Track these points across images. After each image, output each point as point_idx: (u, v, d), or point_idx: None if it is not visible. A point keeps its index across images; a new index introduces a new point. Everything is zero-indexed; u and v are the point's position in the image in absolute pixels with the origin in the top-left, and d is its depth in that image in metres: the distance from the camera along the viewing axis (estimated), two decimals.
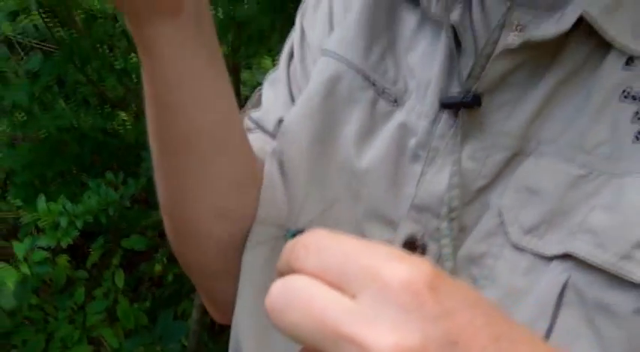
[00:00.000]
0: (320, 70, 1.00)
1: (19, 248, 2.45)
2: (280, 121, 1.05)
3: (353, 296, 0.51)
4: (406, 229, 0.87)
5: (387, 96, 0.95)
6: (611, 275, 0.73)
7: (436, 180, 0.86)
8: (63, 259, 2.76)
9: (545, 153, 0.82)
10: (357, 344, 0.48)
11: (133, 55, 2.57)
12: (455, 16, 0.89)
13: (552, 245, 0.78)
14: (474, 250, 0.80)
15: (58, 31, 2.70)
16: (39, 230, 2.59)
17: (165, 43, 0.83)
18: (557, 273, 0.77)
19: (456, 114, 0.86)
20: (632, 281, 0.72)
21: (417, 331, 0.49)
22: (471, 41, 0.88)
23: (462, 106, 0.85)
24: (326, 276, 0.52)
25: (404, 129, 0.91)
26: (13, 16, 2.28)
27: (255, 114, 1.12)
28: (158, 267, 3.08)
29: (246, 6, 2.24)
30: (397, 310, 0.49)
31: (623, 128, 0.78)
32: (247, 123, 1.13)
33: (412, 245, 0.88)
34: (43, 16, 2.51)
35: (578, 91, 0.82)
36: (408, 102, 0.93)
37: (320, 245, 0.54)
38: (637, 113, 0.78)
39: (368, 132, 0.94)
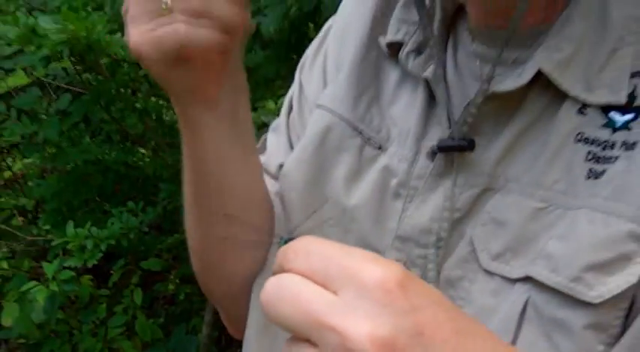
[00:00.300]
0: (315, 121, 1.03)
1: (48, 268, 2.44)
2: (281, 166, 1.07)
3: (335, 293, 0.54)
4: (391, 256, 0.89)
5: (372, 143, 0.97)
6: (565, 295, 0.75)
7: (417, 215, 0.88)
8: (86, 279, 2.76)
9: (511, 189, 0.83)
10: (337, 332, 0.52)
11: (153, 98, 2.59)
12: (429, 72, 0.90)
13: (516, 269, 0.80)
14: (452, 274, 0.82)
15: (85, 75, 2.71)
16: (65, 252, 2.59)
17: (204, 126, 0.88)
18: (520, 294, 0.79)
19: (450, 158, 0.88)
20: (582, 300, 0.74)
21: (388, 323, 0.52)
22: (444, 94, 0.89)
23: (458, 150, 0.86)
24: (312, 276, 0.56)
25: (387, 171, 0.93)
26: (46, 61, 2.31)
27: (261, 158, 1.12)
28: (171, 287, 3.10)
29: (254, 55, 2.25)
30: (372, 304, 0.53)
31: (576, 167, 0.80)
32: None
33: None
34: (73, 60, 2.52)
35: (539, 136, 0.83)
36: (391, 148, 0.94)
37: (308, 249, 0.58)
38: (589, 153, 0.79)
39: (355, 174, 0.96)
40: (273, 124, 1.17)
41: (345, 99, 1.00)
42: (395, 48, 0.97)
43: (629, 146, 0.78)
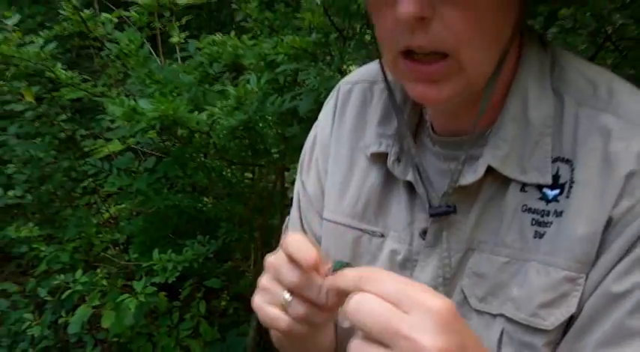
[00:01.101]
0: (325, 232, 1.04)
1: (137, 285, 2.55)
2: None
3: (406, 313, 0.60)
4: None
5: (376, 234, 0.97)
6: (528, 326, 0.83)
7: (422, 278, 0.90)
8: (162, 294, 2.82)
9: (483, 249, 0.87)
10: (410, 340, 0.58)
11: (217, 160, 2.71)
12: (410, 176, 0.92)
13: (495, 307, 0.85)
14: None
15: (166, 143, 2.87)
16: (148, 273, 2.66)
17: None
18: (498, 325, 0.85)
19: (439, 232, 0.89)
20: (539, 328, 0.82)
21: (448, 338, 0.59)
22: (423, 191, 0.90)
23: (445, 214, 0.87)
24: (387, 298, 0.61)
25: (393, 252, 0.94)
26: (142, 132, 2.41)
27: None
28: (224, 303, 3.16)
29: (292, 128, 2.34)
30: (436, 323, 0.59)
31: (526, 230, 0.84)
32: None
33: None
34: (158, 131, 2.61)
35: (497, 208, 0.87)
36: (390, 233, 0.96)
37: (380, 277, 0.64)
38: (533, 220, 0.84)
39: (372, 259, 0.97)
40: (290, 220, 1.14)
41: (346, 210, 1.00)
42: (376, 156, 0.97)
43: (558, 214, 0.82)
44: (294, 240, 0.75)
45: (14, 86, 2.80)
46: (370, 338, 0.61)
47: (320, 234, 1.07)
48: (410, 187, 0.93)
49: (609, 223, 0.79)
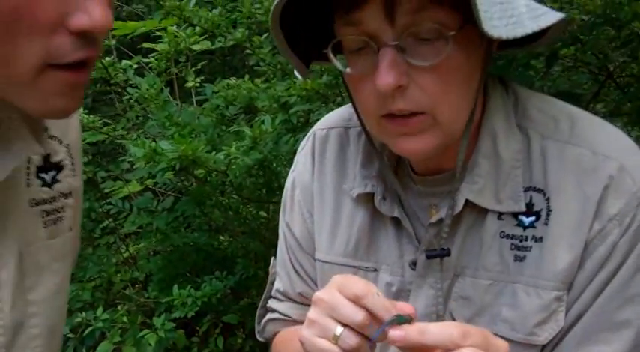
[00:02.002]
0: (321, 272, 1.08)
1: (157, 320, 2.63)
2: (300, 293, 1.12)
3: None
4: None
5: (370, 269, 1.02)
6: (523, 343, 0.91)
7: (416, 305, 0.93)
8: (180, 331, 2.87)
9: (467, 274, 0.94)
10: None
11: (233, 197, 2.82)
12: (397, 213, 0.97)
13: (483, 327, 0.83)
14: None
15: (183, 183, 2.97)
16: (166, 310, 2.76)
17: None
18: None
19: (428, 263, 0.95)
20: (534, 344, 0.91)
21: None
22: (409, 225, 0.97)
23: (441, 256, 0.93)
24: (481, 348, 0.71)
25: (388, 285, 1.00)
26: (162, 172, 2.49)
27: (278, 284, 1.16)
28: (240, 340, 3.15)
29: None
30: None
31: (506, 254, 0.91)
32: (276, 294, 1.17)
33: None
34: (174, 172, 2.64)
35: (476, 237, 0.93)
36: (383, 266, 1.00)
37: (469, 331, 0.72)
38: (512, 244, 0.91)
39: None
40: (278, 260, 1.17)
41: (339, 250, 1.04)
42: (362, 197, 1.01)
43: (537, 239, 0.90)
44: (358, 283, 0.80)
45: None
46: None
47: (311, 272, 1.12)
48: (396, 223, 0.99)
49: (585, 245, 0.88)
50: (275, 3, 0.80)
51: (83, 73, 0.70)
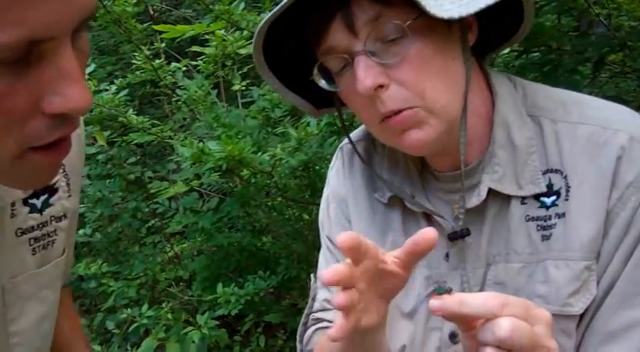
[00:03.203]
0: None
1: (201, 318, 2.69)
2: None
3: (533, 326, 0.73)
4: (448, 328, 1.00)
5: None
6: (559, 315, 0.92)
7: None
8: (223, 330, 2.93)
9: (499, 261, 0.98)
10: (545, 348, 0.73)
11: (279, 198, 2.87)
12: (425, 207, 1.02)
13: None
14: None
15: (227, 184, 3.03)
16: (209, 308, 2.82)
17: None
18: None
19: (460, 252, 0.98)
20: (570, 315, 0.93)
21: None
22: (440, 217, 1.00)
23: (461, 236, 0.97)
24: (521, 317, 0.72)
25: (428, 278, 1.03)
26: (209, 172, 2.53)
27: (326, 295, 1.17)
28: (280, 341, 3.22)
29: None
30: (550, 329, 0.74)
31: (533, 235, 0.95)
32: (323, 304, 1.18)
33: (453, 334, 1.00)
34: (220, 173, 2.69)
35: (503, 224, 0.97)
36: (420, 262, 0.95)
37: (507, 301, 0.73)
38: (537, 226, 0.95)
39: (407, 287, 0.95)
40: (319, 274, 1.15)
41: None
42: (393, 199, 1.06)
43: (560, 215, 0.94)
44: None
45: (88, 130, 3.00)
46: (511, 348, 0.72)
47: None
48: (427, 218, 1.04)
49: (607, 214, 0.92)
50: (254, 52, 0.93)
51: (61, 150, 0.67)
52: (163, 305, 2.95)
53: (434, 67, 0.90)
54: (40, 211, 0.90)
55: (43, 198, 0.90)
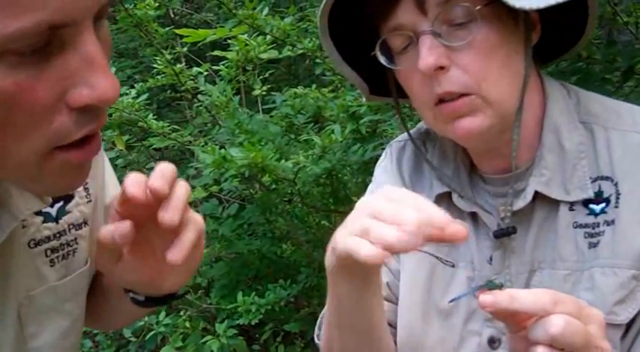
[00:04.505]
0: (405, 259, 1.10)
1: (219, 327, 2.66)
2: (387, 284, 1.12)
3: (587, 325, 0.73)
4: (488, 332, 1.00)
5: (448, 263, 1.04)
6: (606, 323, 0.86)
7: None
8: (241, 339, 2.86)
9: (544, 267, 0.97)
10: (599, 348, 0.73)
11: (299, 206, 2.84)
12: (473, 207, 1.02)
13: None
14: None
15: (247, 190, 3.01)
16: (228, 316, 2.80)
17: (346, 296, 0.95)
18: None
19: (502, 254, 0.98)
20: (615, 324, 0.91)
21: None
22: (486, 216, 1.01)
23: (507, 234, 0.97)
24: (574, 316, 0.72)
25: (469, 279, 1.02)
26: (232, 178, 2.52)
27: None
28: (298, 349, 3.16)
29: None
30: (603, 329, 0.75)
31: (581, 243, 0.95)
32: None
33: (492, 339, 0.99)
34: (239, 180, 2.67)
35: (550, 230, 0.97)
36: (461, 263, 1.03)
37: (561, 298, 0.74)
38: (585, 233, 0.95)
39: (447, 286, 1.04)
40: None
41: None
42: (440, 197, 1.05)
43: (609, 223, 0.93)
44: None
45: (107, 135, 2.98)
46: (564, 347, 0.72)
47: (397, 267, 1.12)
48: (473, 218, 1.03)
49: None
50: (319, 18, 0.95)
51: (91, 147, 0.65)
52: (181, 312, 2.92)
53: (497, 56, 0.91)
54: (56, 220, 0.86)
55: (58, 205, 0.86)
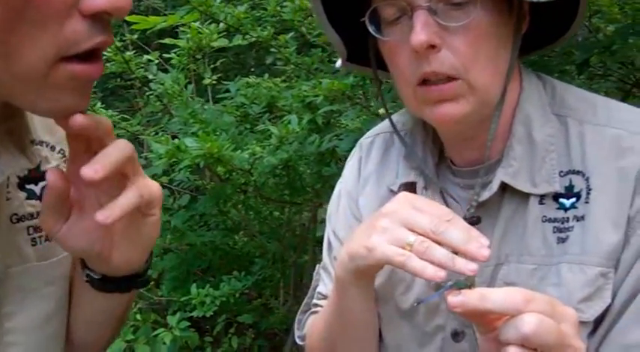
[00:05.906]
0: None
1: (172, 319, 2.60)
2: None
3: (559, 324, 0.71)
4: (451, 326, 0.98)
5: None
6: None
7: None
8: (194, 331, 2.79)
9: (511, 261, 0.95)
10: (572, 347, 0.72)
11: (254, 197, 2.80)
12: (437, 200, 0.98)
13: None
14: None
15: (202, 181, 2.99)
16: (180, 308, 2.74)
17: (352, 300, 0.97)
18: None
19: None
20: (582, 321, 0.86)
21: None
22: (451, 208, 0.95)
23: (473, 223, 0.91)
24: (546, 314, 0.71)
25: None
26: (186, 169, 2.47)
27: (322, 288, 1.17)
28: (248, 340, 3.15)
29: (330, 168, 2.47)
30: (576, 328, 0.74)
31: (549, 238, 0.92)
32: (319, 297, 1.17)
33: (456, 332, 0.98)
34: (191, 170, 2.64)
35: (519, 224, 0.95)
36: None
37: (532, 296, 0.72)
38: (554, 228, 0.93)
39: (407, 287, 1.02)
40: (322, 265, 1.19)
41: None
42: (405, 186, 1.03)
43: (579, 218, 0.91)
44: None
45: None
46: (537, 347, 0.71)
47: None
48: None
49: (628, 221, 0.89)
50: None
51: (96, 65, 0.65)
52: (132, 305, 2.84)
53: (488, 43, 0.90)
54: (40, 198, 0.82)
55: (42, 184, 0.82)
